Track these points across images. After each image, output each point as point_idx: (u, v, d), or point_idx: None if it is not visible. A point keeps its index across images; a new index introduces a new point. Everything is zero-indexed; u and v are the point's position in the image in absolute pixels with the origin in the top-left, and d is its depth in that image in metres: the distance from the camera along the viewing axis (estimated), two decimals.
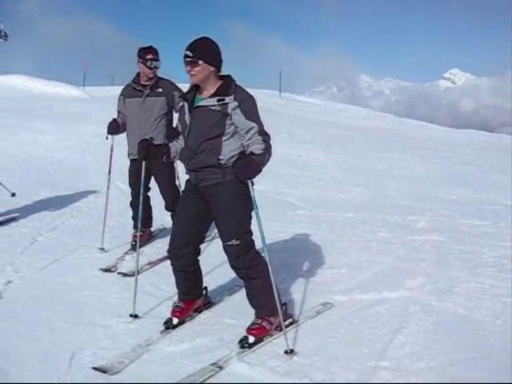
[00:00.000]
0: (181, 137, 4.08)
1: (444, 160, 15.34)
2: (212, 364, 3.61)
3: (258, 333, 3.92)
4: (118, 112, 6.13)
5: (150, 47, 5.93)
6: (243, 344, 3.85)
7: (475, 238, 6.85)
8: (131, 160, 6.04)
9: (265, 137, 3.82)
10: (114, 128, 6.00)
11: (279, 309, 3.93)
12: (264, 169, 3.79)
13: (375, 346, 3.87)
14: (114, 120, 6.04)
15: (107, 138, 6.08)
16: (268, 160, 3.81)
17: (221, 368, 3.57)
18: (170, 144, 4.15)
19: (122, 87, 6.21)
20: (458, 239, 6.73)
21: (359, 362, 3.64)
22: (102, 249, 6.09)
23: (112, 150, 6.25)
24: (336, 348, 3.84)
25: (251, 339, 3.88)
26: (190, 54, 3.78)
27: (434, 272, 5.43)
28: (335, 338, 3.98)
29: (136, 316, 4.36)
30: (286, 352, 3.75)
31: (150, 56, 5.86)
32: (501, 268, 5.58)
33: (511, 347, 3.84)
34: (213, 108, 3.82)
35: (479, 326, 4.22)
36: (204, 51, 3.82)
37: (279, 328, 4.03)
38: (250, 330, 3.93)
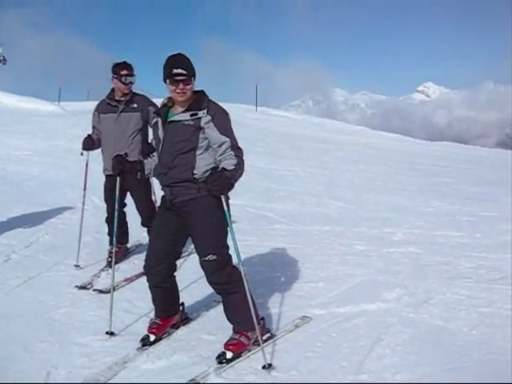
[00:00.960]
0: (155, 153, 4.07)
1: (420, 172, 15.49)
2: (190, 380, 3.57)
3: (235, 348, 3.89)
4: (93, 127, 6.09)
5: (124, 63, 5.91)
6: (221, 360, 3.81)
7: (451, 249, 6.91)
8: (106, 176, 6.00)
9: (237, 152, 3.81)
10: (89, 144, 5.96)
11: (256, 323, 3.91)
12: (241, 183, 3.79)
13: (353, 359, 3.87)
14: (89, 136, 6.00)
15: (82, 154, 6.04)
16: (240, 175, 3.80)
17: None
18: (145, 160, 4.13)
19: (97, 102, 6.18)
20: (435, 251, 6.78)
21: (338, 376, 3.64)
22: (77, 266, 6.01)
23: (87, 165, 6.21)
24: (314, 362, 3.83)
25: (229, 355, 3.84)
26: (185, 73, 3.75)
27: (411, 284, 5.45)
28: (313, 352, 3.97)
29: (112, 333, 4.31)
30: (263, 367, 3.73)
31: (124, 72, 5.83)
32: (477, 279, 5.63)
33: (488, 357, 3.87)
34: (186, 122, 3.81)
35: (456, 336, 4.24)
36: (192, 68, 3.83)
37: (257, 343, 4.00)
38: (227, 345, 3.89)
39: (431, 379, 3.60)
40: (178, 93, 3.80)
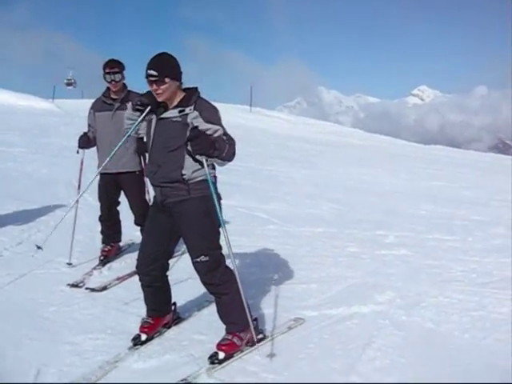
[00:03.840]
0: None
1: (413, 175, 15.52)
2: (181, 380, 3.57)
3: (228, 349, 3.88)
4: (89, 125, 6.07)
5: (110, 61, 5.87)
6: (213, 360, 3.80)
7: (444, 252, 6.92)
8: (101, 174, 5.98)
9: (228, 137, 3.76)
10: (85, 142, 5.93)
11: (251, 324, 3.90)
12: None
13: (345, 361, 3.87)
14: (85, 134, 5.97)
15: (78, 152, 6.02)
16: (230, 153, 3.73)
17: None
18: None
19: (93, 101, 6.17)
20: (427, 254, 6.79)
21: (329, 378, 3.63)
22: (69, 264, 5.98)
23: (82, 163, 6.18)
24: (306, 364, 3.83)
25: (221, 355, 3.83)
26: (155, 73, 3.72)
27: (402, 286, 5.46)
28: (305, 354, 3.96)
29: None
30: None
31: (107, 70, 5.80)
32: (469, 282, 5.64)
33: (480, 361, 3.88)
34: (174, 119, 3.79)
35: (448, 340, 4.25)
36: (168, 68, 3.79)
37: (250, 343, 4.00)
38: (220, 345, 3.88)
39: (422, 382, 3.61)
40: (155, 93, 3.80)
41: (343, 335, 4.31)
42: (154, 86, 3.76)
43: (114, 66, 5.82)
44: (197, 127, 3.69)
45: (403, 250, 6.93)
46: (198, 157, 3.73)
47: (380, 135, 31.64)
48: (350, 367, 3.78)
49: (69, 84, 46.22)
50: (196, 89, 3.94)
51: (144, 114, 3.89)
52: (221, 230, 3.91)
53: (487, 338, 4.27)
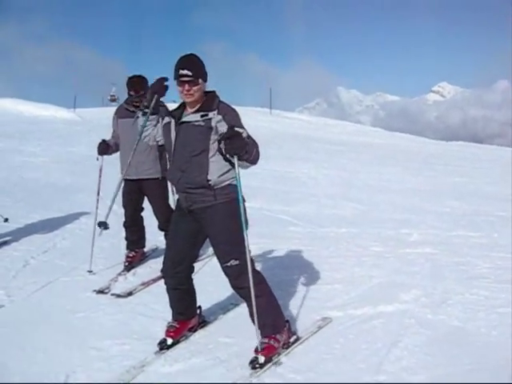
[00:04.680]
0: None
1: (436, 172, 15.40)
2: None
3: (267, 352, 3.83)
4: (113, 131, 6.16)
5: (135, 82, 5.89)
6: (254, 365, 3.75)
7: (469, 249, 6.86)
8: (125, 180, 6.03)
9: (252, 140, 3.73)
10: (104, 149, 5.99)
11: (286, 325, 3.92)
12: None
13: (371, 360, 3.86)
14: (104, 141, 6.03)
15: (97, 159, 6.08)
16: (255, 155, 3.70)
17: None
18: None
19: (115, 107, 6.25)
20: (452, 251, 6.74)
21: (355, 378, 3.62)
22: (90, 271, 6.00)
23: (101, 170, 6.24)
24: (332, 364, 3.82)
25: (261, 359, 3.78)
26: (190, 73, 3.71)
27: (428, 285, 5.42)
28: (331, 354, 3.95)
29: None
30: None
31: (131, 92, 5.88)
32: (495, 279, 5.58)
33: (508, 358, 3.83)
34: (196, 123, 3.78)
35: (475, 337, 4.21)
36: (201, 69, 3.80)
37: (285, 345, 3.99)
38: (258, 350, 3.83)
39: (449, 381, 3.57)
40: (185, 94, 3.78)
41: (369, 335, 4.29)
42: (187, 87, 3.74)
43: (137, 90, 5.84)
44: (233, 126, 3.65)
45: (428, 248, 6.88)
46: (228, 157, 3.69)
47: (401, 133, 31.43)
48: (377, 367, 3.76)
49: (113, 100, 46.96)
50: (214, 92, 3.94)
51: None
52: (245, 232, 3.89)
53: None
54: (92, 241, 6.08)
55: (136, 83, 5.86)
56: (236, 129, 3.65)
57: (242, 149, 3.58)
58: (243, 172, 3.84)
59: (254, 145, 3.71)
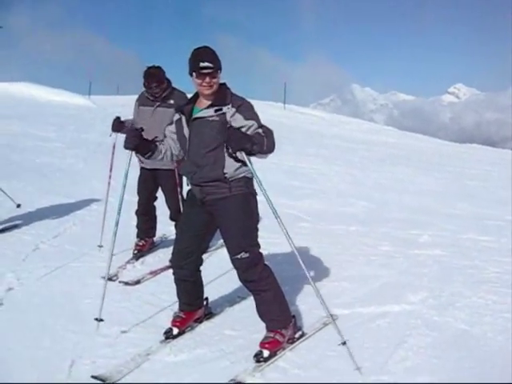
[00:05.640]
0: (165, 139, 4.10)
1: (448, 174, 15.34)
2: (230, 380, 3.56)
3: (271, 346, 3.85)
4: (134, 117, 6.18)
5: (148, 76, 5.88)
6: (259, 359, 3.77)
7: (478, 253, 6.83)
8: (141, 168, 6.05)
9: (264, 128, 3.73)
10: (118, 126, 5.93)
11: (292, 321, 3.93)
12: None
13: (376, 360, 3.86)
14: (118, 118, 5.99)
15: (110, 135, 6.06)
16: (268, 144, 3.67)
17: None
18: (160, 145, 4.08)
19: (135, 96, 6.27)
20: (461, 254, 6.72)
21: (359, 376, 3.62)
22: (100, 246, 6.20)
23: (114, 147, 6.23)
24: (336, 361, 3.82)
25: (266, 353, 3.80)
26: (211, 65, 3.73)
27: (436, 287, 5.41)
28: (335, 351, 3.94)
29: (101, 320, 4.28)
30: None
31: (146, 84, 5.89)
32: (503, 283, 5.56)
33: None
34: (211, 118, 3.79)
35: (480, 341, 4.20)
36: (219, 61, 3.81)
37: (290, 341, 4.00)
38: (263, 344, 3.85)
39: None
40: (205, 86, 3.78)
41: (375, 334, 4.30)
42: (207, 79, 3.76)
43: (150, 82, 5.84)
44: (231, 127, 3.68)
45: (437, 250, 6.85)
46: (238, 154, 3.69)
47: (414, 133, 31.30)
48: (381, 366, 3.76)
49: None
50: (225, 84, 3.94)
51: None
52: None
53: None
54: (103, 219, 6.23)
55: (153, 74, 5.87)
56: (241, 124, 3.70)
57: (245, 142, 3.58)
58: (254, 166, 3.82)
59: (266, 134, 3.69)
